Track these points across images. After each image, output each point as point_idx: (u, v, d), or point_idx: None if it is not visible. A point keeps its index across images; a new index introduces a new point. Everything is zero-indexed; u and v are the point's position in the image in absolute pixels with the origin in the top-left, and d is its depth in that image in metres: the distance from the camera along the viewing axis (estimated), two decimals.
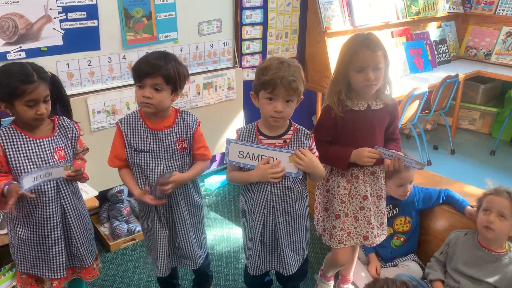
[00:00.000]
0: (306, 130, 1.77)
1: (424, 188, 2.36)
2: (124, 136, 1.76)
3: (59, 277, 1.74)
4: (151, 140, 1.75)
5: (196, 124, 1.82)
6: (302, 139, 1.74)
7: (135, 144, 1.76)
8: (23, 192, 1.50)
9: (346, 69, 1.79)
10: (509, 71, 4.12)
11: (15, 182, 1.56)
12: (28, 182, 1.54)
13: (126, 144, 1.76)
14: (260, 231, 1.79)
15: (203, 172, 1.88)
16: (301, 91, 1.67)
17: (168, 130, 1.77)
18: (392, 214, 2.31)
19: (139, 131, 1.76)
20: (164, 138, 1.76)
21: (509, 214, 1.89)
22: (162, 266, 1.87)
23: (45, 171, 1.60)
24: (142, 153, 1.76)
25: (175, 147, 1.77)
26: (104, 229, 2.74)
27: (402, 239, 2.33)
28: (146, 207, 1.84)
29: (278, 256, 1.83)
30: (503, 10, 4.38)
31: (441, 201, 2.31)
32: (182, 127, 1.79)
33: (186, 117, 1.81)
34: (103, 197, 2.72)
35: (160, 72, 1.66)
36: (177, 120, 1.79)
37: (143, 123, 1.76)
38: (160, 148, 1.76)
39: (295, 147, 1.72)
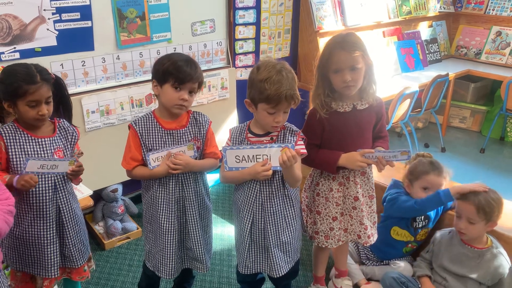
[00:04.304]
0: (293, 127, 1.80)
1: None
2: (139, 136, 1.80)
3: (52, 276, 1.77)
4: (166, 139, 1.80)
5: (208, 124, 1.87)
6: (288, 136, 1.77)
7: (150, 145, 1.80)
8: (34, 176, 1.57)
9: (325, 71, 1.82)
10: (499, 70, 4.18)
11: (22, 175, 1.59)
12: (32, 166, 1.58)
13: (142, 144, 1.80)
14: (249, 229, 1.83)
15: (211, 169, 1.91)
16: (299, 97, 1.70)
17: (183, 129, 1.82)
18: (421, 225, 2.25)
19: (153, 131, 1.80)
20: (179, 137, 1.81)
21: (477, 218, 1.94)
22: (172, 268, 1.89)
23: (53, 162, 1.63)
24: None
25: None
26: (98, 228, 2.77)
27: (415, 247, 2.33)
28: (153, 210, 1.87)
29: (267, 257, 1.86)
30: (493, 10, 4.44)
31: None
32: (195, 127, 1.84)
33: (198, 117, 1.86)
34: (97, 196, 2.74)
35: (199, 78, 1.75)
36: (190, 120, 1.84)
37: (158, 123, 1.80)
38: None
39: (283, 142, 1.75)
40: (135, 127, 1.81)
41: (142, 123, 1.82)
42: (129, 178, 1.93)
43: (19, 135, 1.65)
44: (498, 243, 2.05)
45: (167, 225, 1.85)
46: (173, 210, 1.84)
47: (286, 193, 1.81)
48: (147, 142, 1.80)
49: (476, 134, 4.50)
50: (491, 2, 4.45)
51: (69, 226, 1.77)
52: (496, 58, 4.39)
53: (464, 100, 4.52)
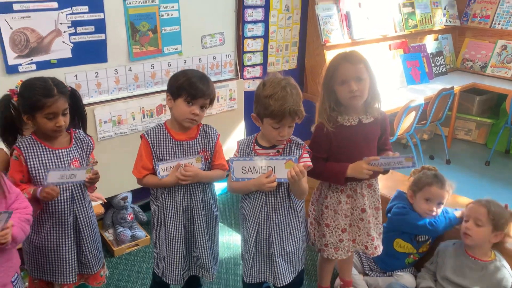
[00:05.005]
0: (299, 140, 1.85)
1: (445, 210, 2.29)
2: (151, 146, 1.86)
3: (71, 282, 1.83)
4: (177, 150, 1.87)
5: (217, 136, 1.94)
6: (294, 149, 1.82)
7: (160, 155, 1.87)
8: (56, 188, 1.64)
9: (331, 85, 1.88)
10: (504, 84, 4.22)
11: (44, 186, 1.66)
12: (53, 177, 1.65)
13: (153, 154, 1.87)
14: (254, 238, 1.87)
15: (218, 179, 1.98)
16: (303, 112, 1.74)
17: (193, 141, 1.89)
18: (424, 239, 2.29)
19: (165, 142, 1.87)
20: (189, 148, 1.88)
21: (485, 221, 2.00)
22: (177, 274, 1.95)
23: (72, 171, 1.71)
24: None
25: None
26: (108, 235, 2.83)
27: (417, 258, 2.36)
28: (161, 218, 1.93)
29: (271, 266, 1.90)
30: (499, 24, 4.48)
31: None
32: (205, 139, 1.91)
33: (207, 129, 1.93)
34: (107, 203, 2.80)
35: (211, 95, 1.83)
36: (200, 132, 1.91)
37: (169, 134, 1.87)
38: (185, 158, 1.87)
39: (287, 155, 1.80)
40: (147, 137, 1.88)
41: (154, 134, 1.88)
42: (139, 186, 2.00)
43: (37, 148, 1.72)
44: (502, 257, 2.08)
45: (175, 233, 1.90)
46: (180, 218, 1.90)
47: (291, 204, 1.85)
48: (158, 152, 1.87)
49: (481, 147, 4.52)
50: (497, 16, 4.49)
51: (86, 233, 1.84)
52: (501, 72, 4.43)
53: (470, 112, 4.56)
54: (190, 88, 1.78)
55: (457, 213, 2.23)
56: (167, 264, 1.95)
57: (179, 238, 1.91)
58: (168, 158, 1.86)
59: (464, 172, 3.98)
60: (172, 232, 1.90)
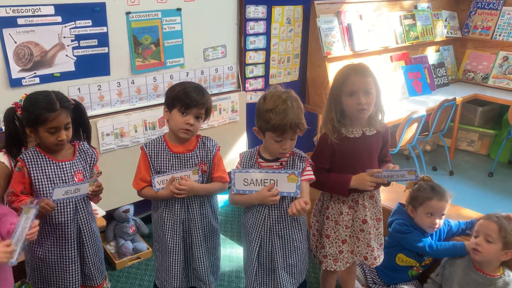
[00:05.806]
0: (302, 153, 1.85)
1: (447, 220, 2.28)
2: (149, 158, 1.87)
3: None
4: (174, 162, 1.87)
5: (216, 149, 1.94)
6: (297, 162, 1.82)
7: (158, 167, 1.87)
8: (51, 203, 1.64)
9: (338, 95, 1.88)
10: (506, 95, 4.21)
11: (43, 198, 1.67)
12: (58, 194, 1.67)
13: (151, 166, 1.87)
14: (257, 251, 1.86)
15: (218, 192, 1.97)
16: (305, 125, 1.74)
17: (190, 153, 1.89)
18: None
19: (162, 154, 1.88)
20: (186, 161, 1.88)
21: (496, 238, 1.96)
22: (176, 286, 1.94)
23: (75, 186, 1.71)
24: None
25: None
26: (110, 248, 2.82)
27: (421, 271, 2.34)
28: (160, 230, 1.93)
29: (273, 279, 1.89)
30: (500, 35, 4.50)
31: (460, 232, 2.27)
32: (203, 151, 1.91)
33: (206, 141, 1.93)
34: (109, 216, 2.79)
35: (206, 105, 1.83)
36: (198, 144, 1.91)
37: (167, 147, 1.88)
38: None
39: (290, 168, 1.80)
40: (146, 150, 1.89)
41: (152, 146, 1.89)
42: (140, 199, 2.01)
43: (41, 160, 1.73)
44: (511, 272, 2.05)
45: (172, 245, 1.90)
46: (178, 231, 1.90)
47: (295, 217, 1.85)
48: (155, 164, 1.87)
49: (484, 158, 4.50)
50: (498, 28, 4.51)
51: (89, 246, 1.84)
52: (503, 83, 4.43)
53: (472, 123, 4.55)
54: (184, 97, 1.79)
55: (467, 243, 2.13)
56: (166, 276, 1.95)
57: (177, 250, 1.91)
58: (165, 170, 1.87)
59: (467, 183, 3.97)
60: (170, 244, 1.90)
